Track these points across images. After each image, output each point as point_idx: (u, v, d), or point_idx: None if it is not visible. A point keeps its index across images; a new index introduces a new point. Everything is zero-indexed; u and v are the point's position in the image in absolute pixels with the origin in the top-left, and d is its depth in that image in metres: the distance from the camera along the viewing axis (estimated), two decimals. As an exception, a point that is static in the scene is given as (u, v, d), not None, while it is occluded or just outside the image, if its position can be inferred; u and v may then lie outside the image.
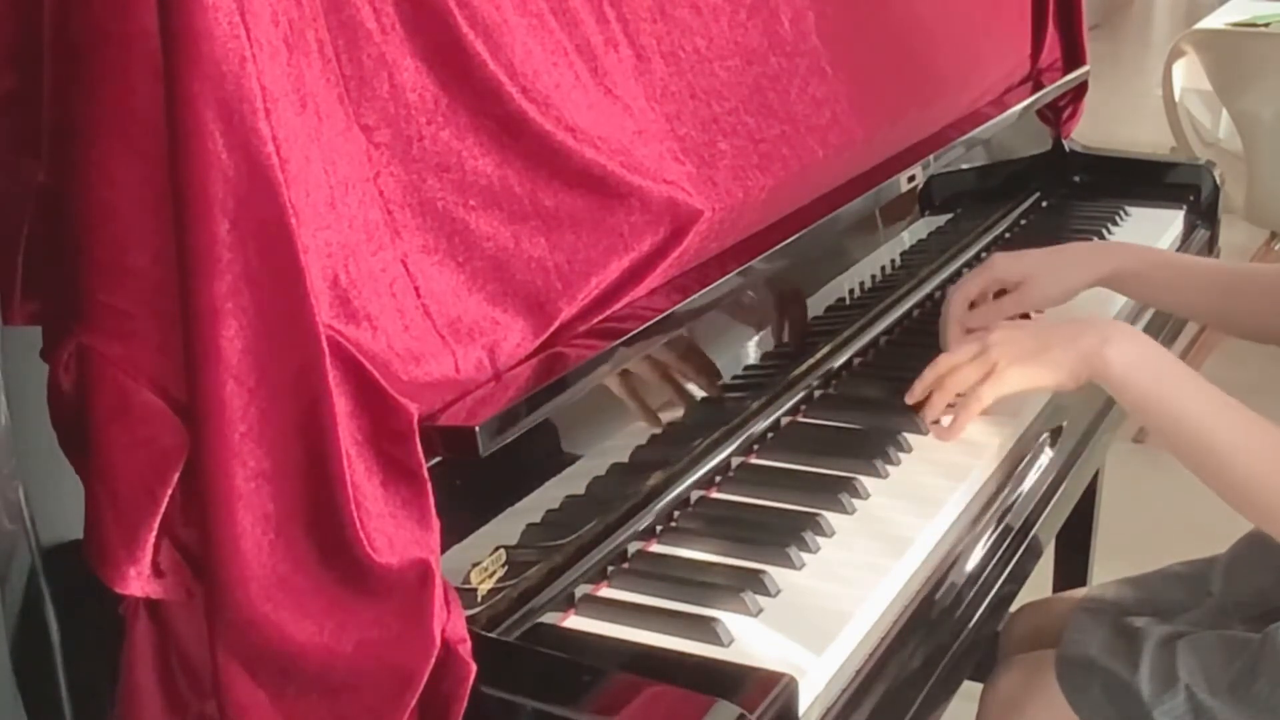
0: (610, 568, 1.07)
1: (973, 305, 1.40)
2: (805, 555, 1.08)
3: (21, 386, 0.90)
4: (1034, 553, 1.25)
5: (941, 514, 1.15)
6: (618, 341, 1.04)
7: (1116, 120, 5.28)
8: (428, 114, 0.95)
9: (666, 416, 1.18)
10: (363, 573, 0.84)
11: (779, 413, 1.31)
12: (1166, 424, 1.15)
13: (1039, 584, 1.84)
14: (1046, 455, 1.31)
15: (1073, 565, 2.11)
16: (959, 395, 1.24)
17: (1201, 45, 3.37)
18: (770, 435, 1.29)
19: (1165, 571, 1.43)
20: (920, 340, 1.48)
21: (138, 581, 0.86)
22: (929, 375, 1.26)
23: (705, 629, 0.97)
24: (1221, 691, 1.17)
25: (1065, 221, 1.95)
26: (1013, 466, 1.27)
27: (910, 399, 1.27)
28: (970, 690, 1.31)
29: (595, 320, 1.06)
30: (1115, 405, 1.50)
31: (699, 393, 1.23)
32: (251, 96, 0.78)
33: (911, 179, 1.50)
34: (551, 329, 1.03)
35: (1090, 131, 2.11)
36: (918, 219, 1.66)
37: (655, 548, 1.11)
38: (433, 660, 0.84)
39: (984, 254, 1.79)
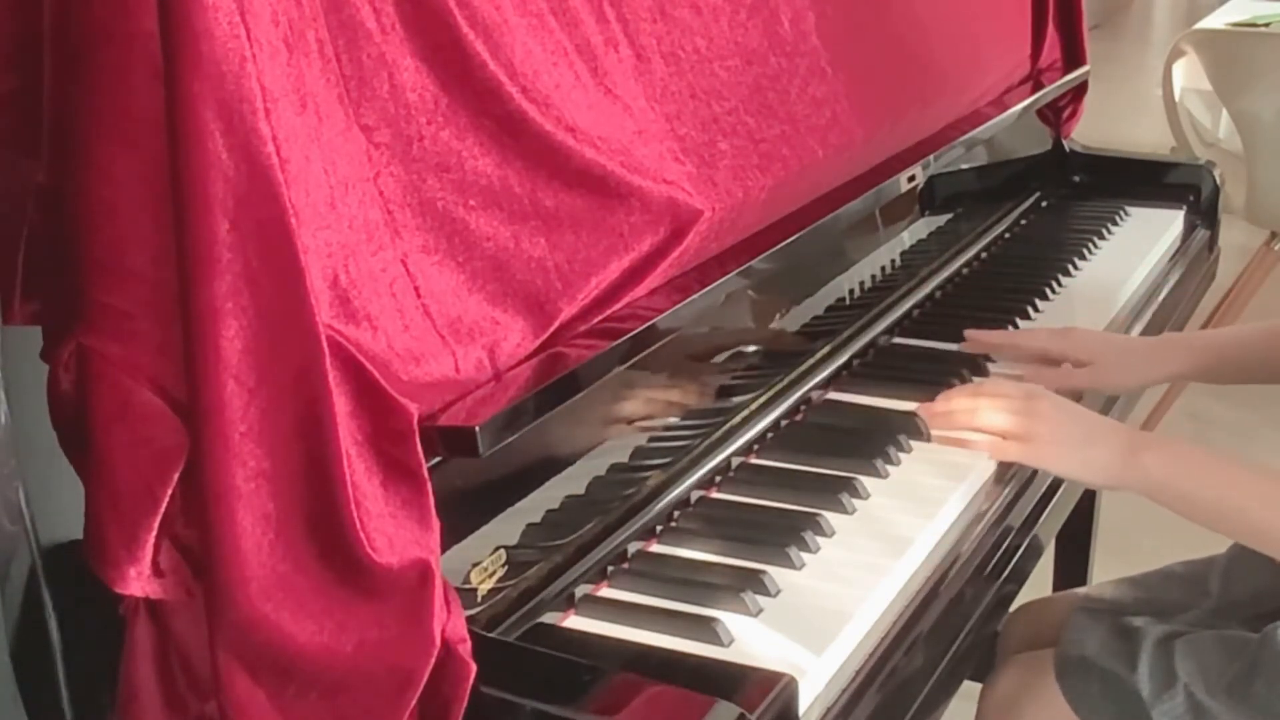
0: (610, 568, 1.07)
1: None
2: (805, 555, 1.08)
3: (21, 386, 0.90)
4: (1034, 553, 1.26)
5: (941, 514, 1.15)
6: (618, 341, 1.04)
7: (1116, 120, 5.27)
8: (428, 114, 0.95)
9: (666, 416, 1.18)
10: (363, 573, 0.84)
11: (779, 412, 1.31)
12: (1215, 519, 1.16)
13: (1039, 584, 1.84)
14: (1047, 455, 1.31)
15: (1073, 565, 2.11)
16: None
17: (1201, 45, 3.37)
18: (770, 435, 1.29)
19: (1164, 571, 1.43)
20: (921, 340, 1.48)
21: (138, 581, 0.86)
22: (963, 394, 1.26)
23: (705, 629, 0.97)
24: (1220, 692, 1.17)
25: (1065, 221, 1.95)
26: (1012, 466, 1.27)
27: (929, 406, 1.27)
28: (970, 690, 1.31)
29: (595, 320, 1.06)
30: (1115, 405, 1.51)
31: (699, 393, 1.23)
32: (251, 96, 0.78)
33: (911, 179, 1.50)
34: (551, 329, 1.03)
35: (1090, 131, 2.11)
36: (918, 219, 1.66)
37: (655, 548, 1.11)
38: (433, 660, 0.84)
39: (984, 254, 1.80)
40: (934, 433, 1.25)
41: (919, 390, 1.32)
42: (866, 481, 1.18)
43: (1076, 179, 2.06)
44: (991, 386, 1.27)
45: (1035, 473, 1.28)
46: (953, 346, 1.47)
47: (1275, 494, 1.14)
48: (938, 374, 1.39)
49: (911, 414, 1.28)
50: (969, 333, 1.45)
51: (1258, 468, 1.17)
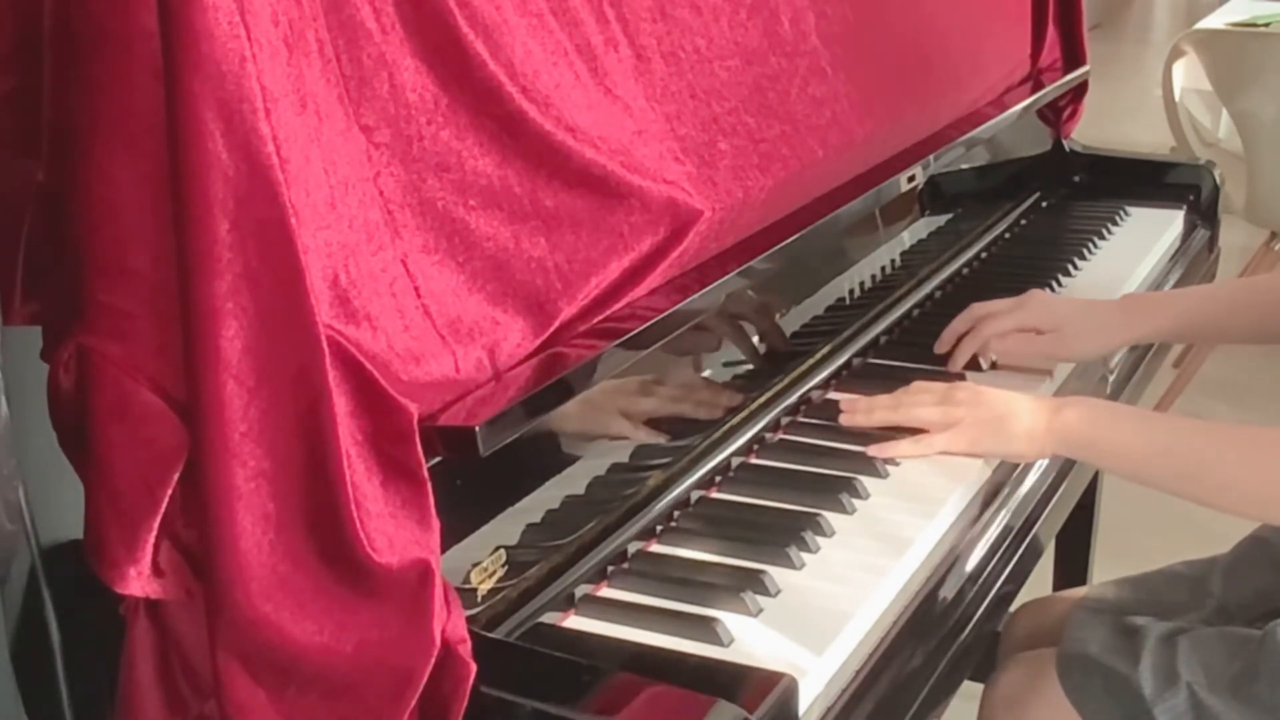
0: (610, 568, 1.07)
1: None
2: (805, 555, 1.08)
3: (21, 386, 0.90)
4: (1034, 553, 1.26)
5: (941, 514, 1.15)
6: (617, 341, 1.04)
7: (1116, 120, 5.28)
8: (428, 114, 0.95)
9: (666, 416, 1.18)
10: (363, 573, 0.84)
11: (779, 412, 1.31)
12: (1141, 464, 1.17)
13: (1039, 584, 1.83)
14: (1047, 455, 1.31)
15: (1073, 565, 2.11)
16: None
17: (1201, 45, 3.37)
18: (770, 435, 1.29)
19: (1166, 571, 1.43)
20: (920, 340, 1.48)
21: (138, 581, 0.86)
22: (886, 400, 1.26)
23: (705, 629, 0.97)
24: (1222, 690, 1.17)
25: (1065, 221, 1.95)
26: (1013, 467, 1.27)
27: (851, 407, 1.27)
28: (970, 690, 1.31)
29: (595, 320, 1.06)
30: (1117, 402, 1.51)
31: (699, 392, 1.23)
32: (251, 96, 0.78)
33: (911, 179, 1.50)
34: (551, 329, 1.03)
35: (1090, 131, 2.11)
36: (918, 219, 1.66)
37: (655, 548, 1.11)
38: (433, 660, 0.84)
39: (984, 254, 1.80)
40: (871, 451, 1.22)
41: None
42: (866, 481, 1.18)
43: (1076, 179, 2.06)
44: (914, 386, 1.27)
45: (1035, 473, 1.28)
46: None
47: (1202, 435, 1.15)
48: (937, 374, 1.39)
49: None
50: (941, 342, 1.44)
51: (1186, 418, 1.18)
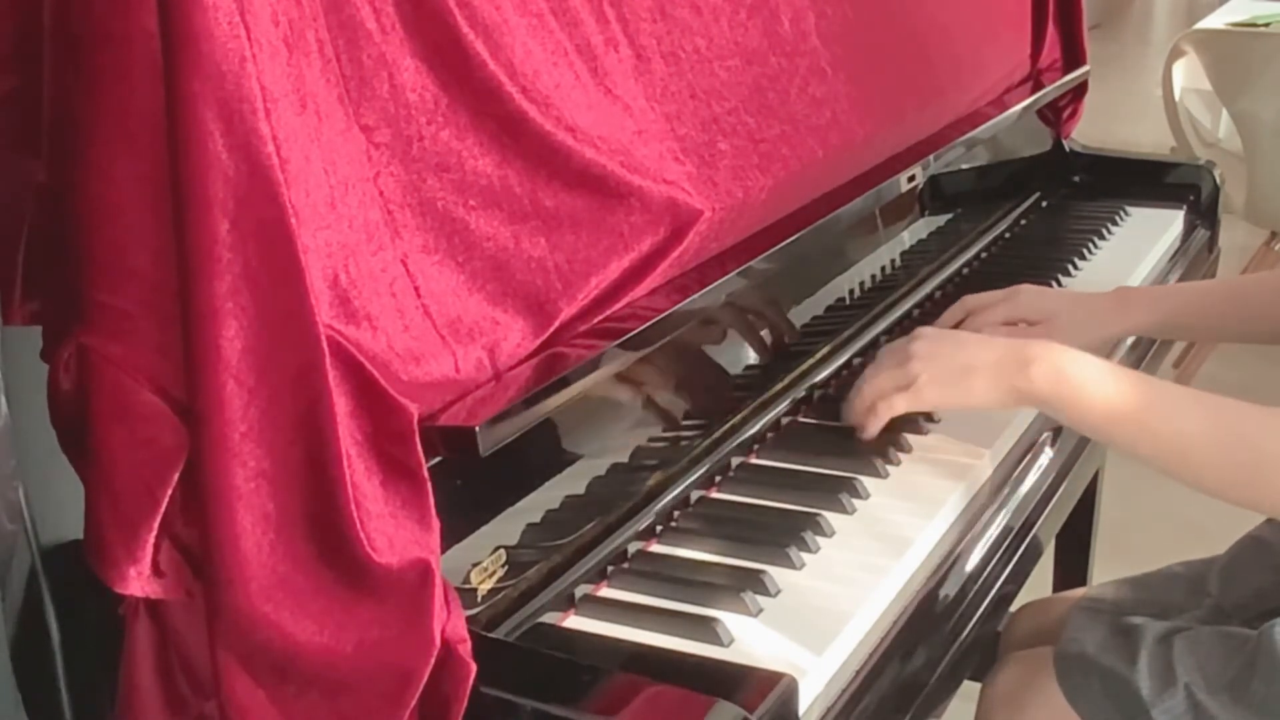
0: (610, 568, 1.07)
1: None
2: (805, 555, 1.08)
3: (21, 386, 0.90)
4: (1034, 553, 1.25)
5: (941, 514, 1.15)
6: (617, 341, 1.04)
7: (1116, 120, 5.28)
8: (428, 114, 0.95)
9: (666, 416, 1.18)
10: (363, 573, 0.84)
11: (779, 412, 1.31)
12: (1105, 425, 1.13)
13: (1039, 584, 1.84)
14: (1046, 455, 1.31)
15: (1073, 565, 2.11)
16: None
17: (1201, 45, 3.37)
18: (770, 435, 1.29)
19: (1165, 572, 1.43)
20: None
21: (138, 581, 0.86)
22: (859, 393, 1.23)
23: (705, 629, 0.97)
24: (1220, 690, 1.17)
25: (1065, 221, 1.95)
26: (1013, 466, 1.27)
27: (855, 408, 1.24)
28: (970, 690, 1.31)
29: (595, 320, 1.06)
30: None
31: (699, 392, 1.23)
32: (251, 96, 0.78)
33: (911, 179, 1.50)
34: (551, 329, 1.03)
35: (1090, 131, 2.11)
36: (918, 219, 1.66)
37: (655, 548, 1.11)
38: (433, 660, 0.84)
39: (984, 254, 1.80)
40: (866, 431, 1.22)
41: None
42: (866, 481, 1.18)
43: (1076, 179, 2.06)
44: (870, 366, 1.23)
45: (1035, 473, 1.28)
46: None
47: (1174, 400, 1.12)
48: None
49: (913, 414, 1.27)
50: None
51: (1157, 380, 1.14)
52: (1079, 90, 2.02)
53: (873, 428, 1.22)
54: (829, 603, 1.02)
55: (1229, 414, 1.11)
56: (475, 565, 0.96)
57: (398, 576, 0.84)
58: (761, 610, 1.01)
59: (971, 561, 1.15)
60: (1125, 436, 1.13)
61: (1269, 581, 1.31)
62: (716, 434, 1.24)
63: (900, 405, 1.19)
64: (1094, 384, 1.13)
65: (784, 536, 1.09)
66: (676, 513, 1.16)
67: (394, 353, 0.90)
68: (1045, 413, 1.20)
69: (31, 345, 0.91)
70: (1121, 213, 1.94)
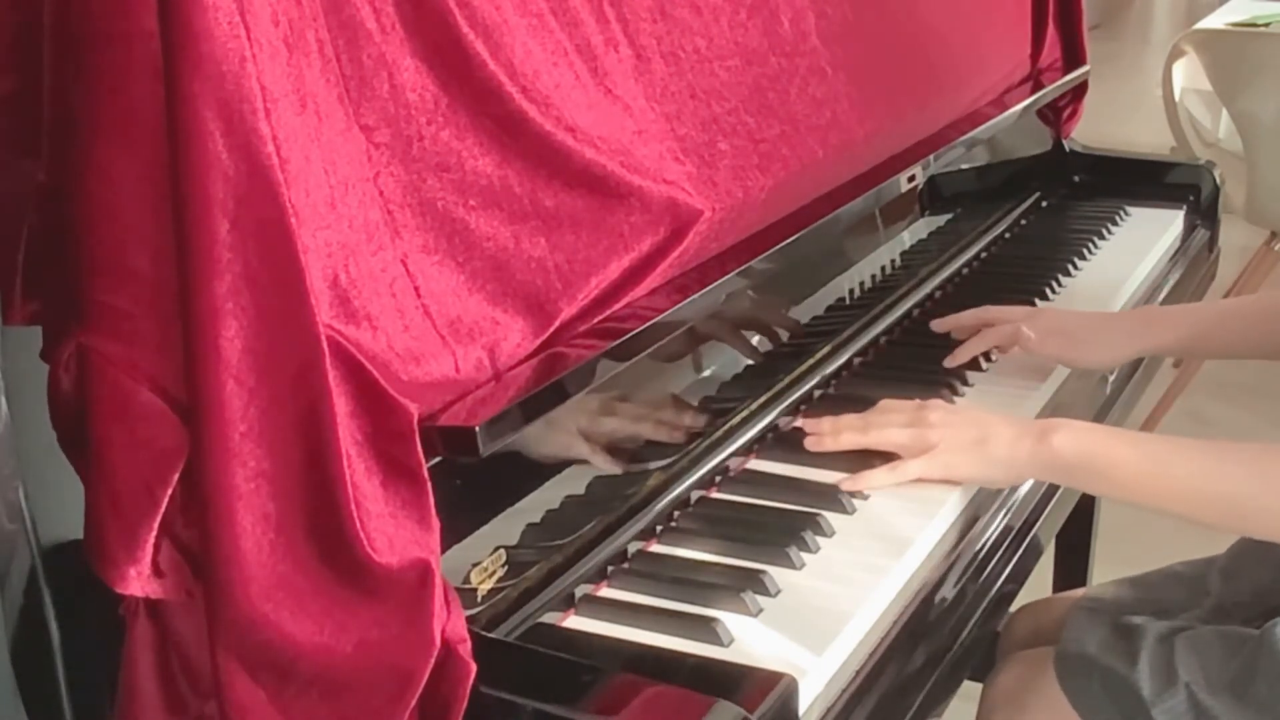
0: (610, 568, 1.07)
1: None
2: (805, 555, 1.08)
3: (21, 386, 0.90)
4: (1034, 553, 1.25)
5: (942, 513, 1.15)
6: (617, 341, 1.04)
7: (1116, 120, 5.28)
8: (428, 114, 0.95)
9: (666, 416, 1.18)
10: (363, 573, 0.84)
11: (779, 412, 1.31)
12: (1132, 484, 1.13)
13: (1039, 584, 1.84)
14: (1047, 455, 1.31)
15: (1073, 565, 2.11)
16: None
17: (1201, 45, 3.37)
18: (771, 435, 1.29)
19: (1165, 571, 1.43)
20: (921, 340, 1.48)
21: (138, 581, 0.86)
22: (853, 420, 1.21)
23: (705, 629, 0.97)
24: (1221, 690, 1.17)
25: (1065, 221, 1.95)
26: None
27: (817, 428, 1.22)
28: (970, 690, 1.31)
29: (595, 320, 1.06)
30: (1116, 405, 1.51)
31: (699, 392, 1.23)
32: (251, 96, 0.78)
33: (911, 179, 1.50)
34: (551, 329, 1.03)
35: (1090, 131, 2.11)
36: (918, 219, 1.66)
37: (655, 548, 1.11)
38: (433, 660, 0.84)
39: (984, 254, 1.80)
40: (844, 485, 1.17)
41: (920, 389, 1.32)
42: (867, 481, 1.18)
43: (1076, 179, 2.06)
44: (884, 404, 1.22)
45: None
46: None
47: (1193, 453, 1.11)
48: (937, 374, 1.39)
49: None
50: (941, 322, 1.44)
51: (1180, 438, 1.14)
52: (1079, 90, 2.02)
53: (877, 484, 1.17)
54: (829, 603, 1.02)
55: (1272, 453, 1.10)
56: (475, 565, 0.96)
57: (398, 576, 0.84)
58: (761, 610, 1.01)
59: (971, 562, 1.15)
60: (1163, 494, 1.12)
61: (1269, 580, 1.31)
62: (716, 434, 1.23)
63: (913, 470, 1.17)
64: (1122, 449, 1.13)
65: (784, 536, 1.09)
66: (676, 513, 1.16)
67: (394, 353, 0.90)
68: (1062, 482, 1.20)
69: (31, 345, 0.91)
70: (1121, 213, 1.94)
